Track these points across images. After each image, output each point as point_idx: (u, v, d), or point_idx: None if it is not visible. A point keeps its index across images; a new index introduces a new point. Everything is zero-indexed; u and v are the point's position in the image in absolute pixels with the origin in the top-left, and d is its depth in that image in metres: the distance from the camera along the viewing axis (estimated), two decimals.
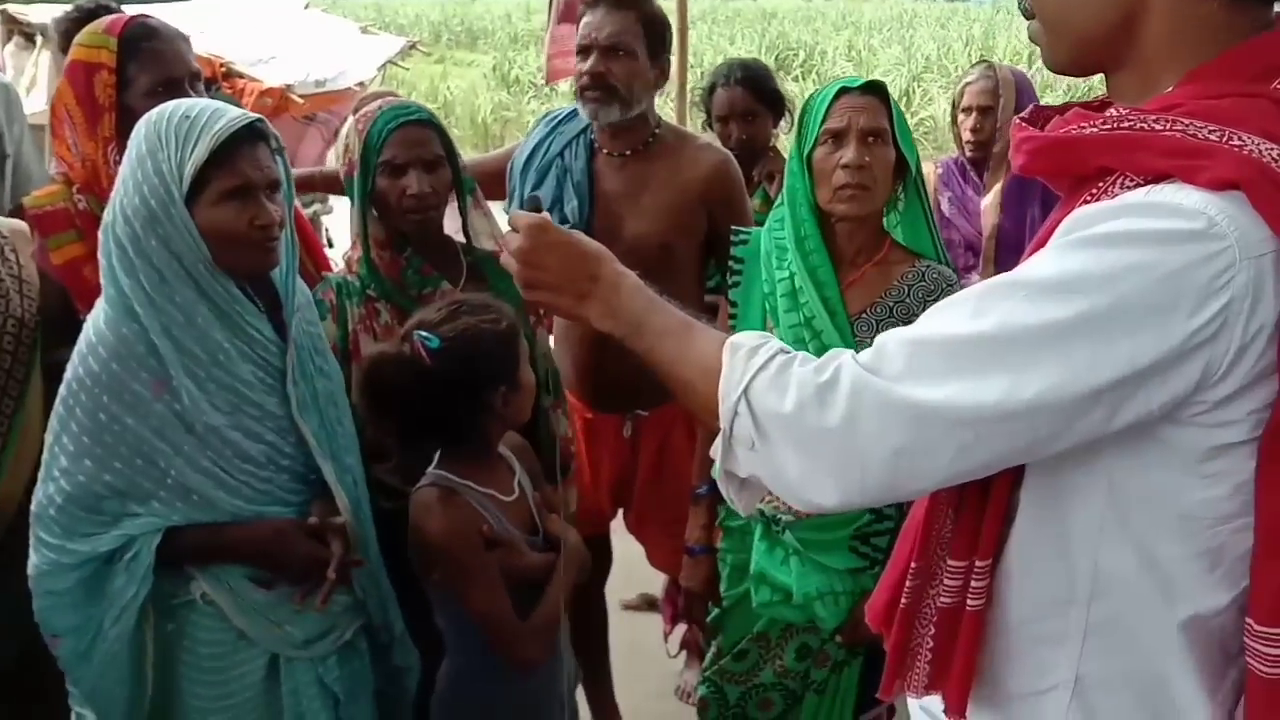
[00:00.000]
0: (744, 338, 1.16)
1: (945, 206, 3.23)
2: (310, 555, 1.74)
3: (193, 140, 1.64)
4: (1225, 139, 0.97)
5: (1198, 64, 1.05)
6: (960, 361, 1.02)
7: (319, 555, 1.74)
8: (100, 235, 1.69)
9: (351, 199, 2.14)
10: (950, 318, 1.06)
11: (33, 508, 1.70)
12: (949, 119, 3.36)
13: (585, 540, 2.55)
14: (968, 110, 3.22)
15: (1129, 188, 1.01)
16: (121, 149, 1.80)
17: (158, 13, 2.22)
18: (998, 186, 3.14)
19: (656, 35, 2.54)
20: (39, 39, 5.54)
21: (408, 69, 9.52)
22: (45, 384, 2.20)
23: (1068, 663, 1.12)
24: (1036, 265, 1.03)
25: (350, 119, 2.18)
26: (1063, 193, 1.15)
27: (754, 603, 2.14)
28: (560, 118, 2.67)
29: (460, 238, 2.23)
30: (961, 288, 2.09)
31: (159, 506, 1.67)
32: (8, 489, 2.01)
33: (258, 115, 1.75)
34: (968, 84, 3.24)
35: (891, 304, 2.07)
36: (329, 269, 2.38)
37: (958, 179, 3.29)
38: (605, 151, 2.59)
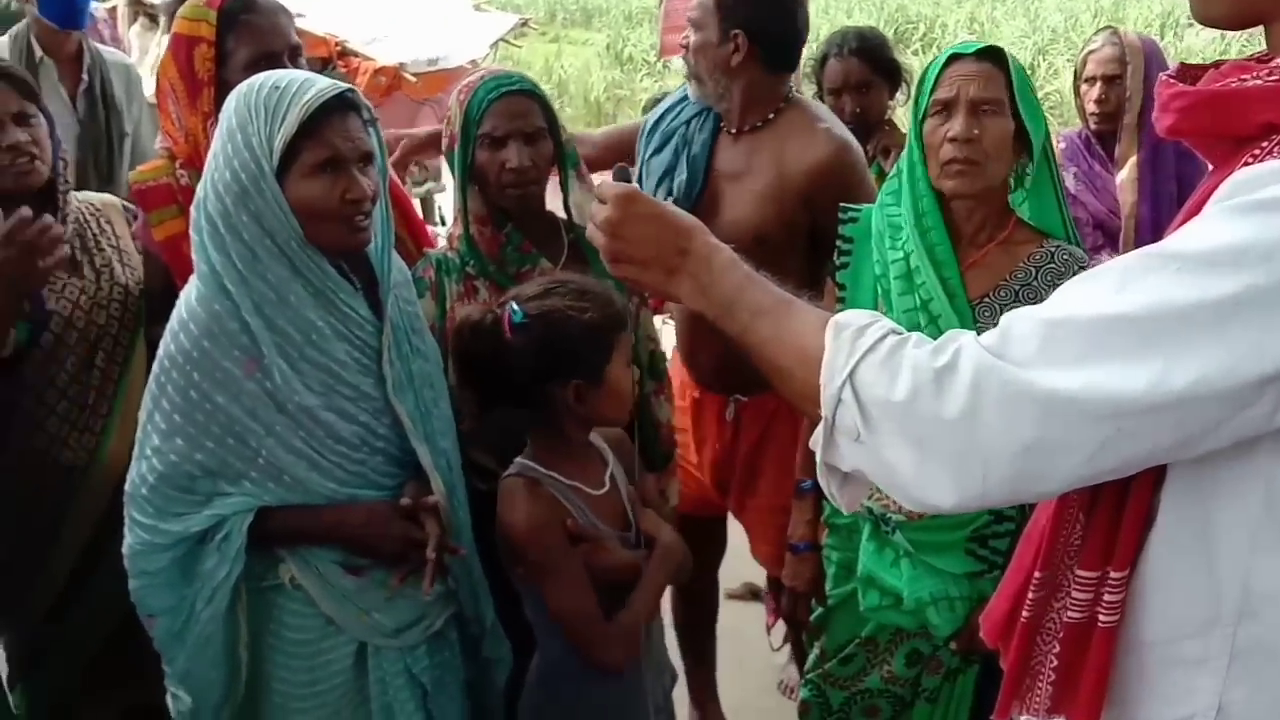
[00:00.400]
0: (850, 316, 1.05)
1: (1071, 183, 3.00)
2: (405, 537, 1.70)
3: (282, 111, 1.60)
4: None
5: None
6: (1102, 344, 0.90)
7: (414, 537, 1.70)
8: (193, 211, 1.67)
9: (453, 173, 2.09)
10: (1090, 294, 0.94)
11: (126, 487, 1.69)
12: (1073, 90, 3.14)
13: (696, 524, 2.48)
14: (1091, 80, 3.00)
15: None
16: None
17: None
18: (1132, 161, 2.92)
19: (730, 9, 2.38)
20: (162, 20, 5.68)
21: (520, 47, 9.55)
22: (149, 357, 2.24)
23: (1209, 689, 1.00)
24: (1192, 234, 0.91)
25: (453, 97, 2.13)
26: (1214, 160, 1.03)
27: (861, 606, 2.03)
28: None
29: (563, 213, 2.15)
30: (1085, 261, 1.94)
31: (251, 487, 1.65)
32: (116, 450, 2.05)
33: (348, 85, 1.71)
34: (1090, 52, 3.02)
35: (1017, 288, 1.93)
36: (431, 245, 2.33)
37: (1083, 153, 3.07)
38: (725, 128, 2.49)
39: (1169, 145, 2.90)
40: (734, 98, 2.42)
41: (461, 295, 2.05)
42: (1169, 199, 2.88)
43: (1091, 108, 3.01)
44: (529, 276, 2.00)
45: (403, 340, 1.79)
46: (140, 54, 5.64)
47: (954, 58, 1.92)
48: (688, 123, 2.50)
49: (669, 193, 2.45)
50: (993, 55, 1.91)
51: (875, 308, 1.97)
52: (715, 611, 2.89)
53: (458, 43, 6.97)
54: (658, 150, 2.51)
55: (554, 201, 2.15)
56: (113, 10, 5.97)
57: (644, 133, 2.60)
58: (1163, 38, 18.14)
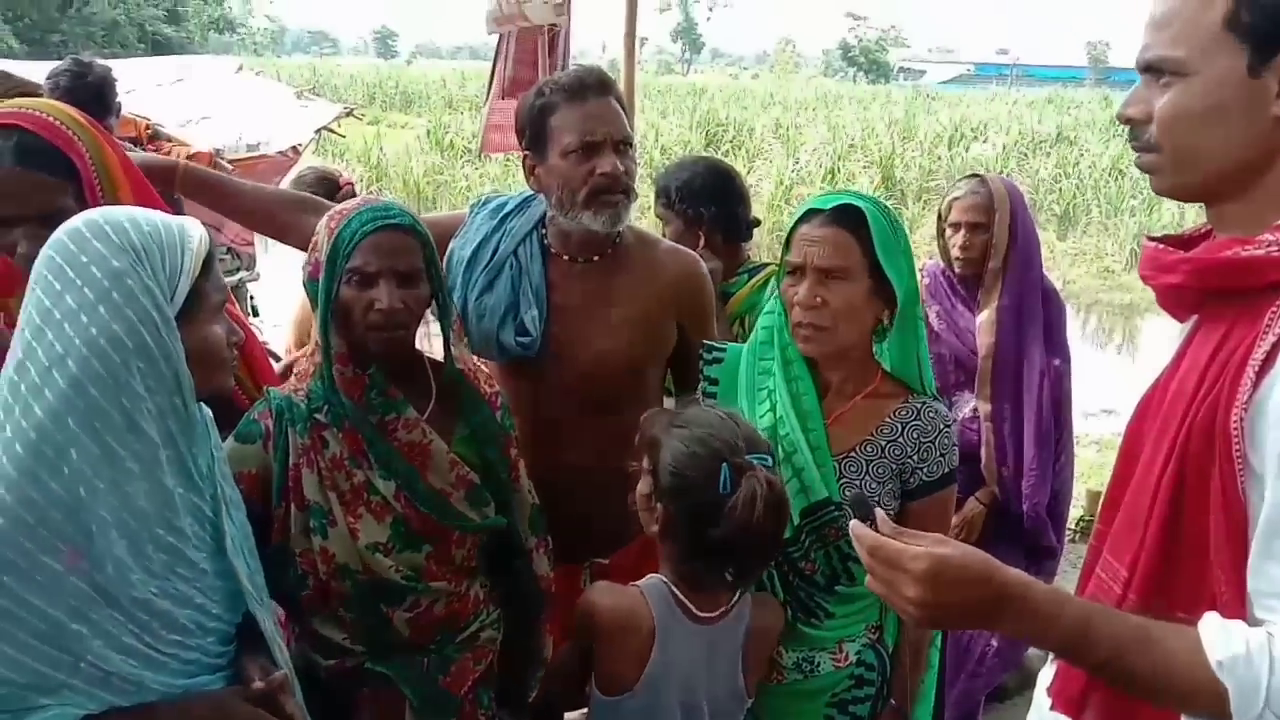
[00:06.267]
0: (1223, 646, 1.11)
1: (933, 320, 3.07)
2: None
3: (177, 251, 1.42)
4: None
5: None
6: None
7: None
8: (13, 381, 1.37)
9: (311, 303, 1.87)
10: None
11: None
12: (935, 231, 3.18)
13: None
14: (956, 226, 3.05)
15: None
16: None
17: None
18: (994, 305, 2.99)
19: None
20: None
21: (344, 136, 9.35)
22: None
23: None
24: None
25: (322, 222, 1.85)
26: (1192, 312, 1.28)
27: None
28: (506, 210, 2.33)
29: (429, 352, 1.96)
30: (949, 420, 1.93)
31: (71, 695, 1.36)
32: None
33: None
34: (955, 199, 3.06)
35: (883, 443, 1.90)
36: (271, 381, 2.08)
37: (946, 291, 3.13)
38: (564, 257, 2.25)
39: (1036, 289, 3.00)
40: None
41: (307, 449, 1.81)
42: (1034, 340, 2.97)
43: (956, 253, 3.05)
44: (394, 425, 1.84)
45: (228, 494, 1.59)
46: None
47: (807, 215, 1.88)
48: (515, 254, 2.26)
49: (519, 333, 2.20)
50: (846, 215, 1.85)
51: None
52: None
53: (279, 129, 6.73)
54: (488, 288, 2.24)
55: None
56: None
57: (457, 267, 2.28)
58: (950, 149, 19.62)
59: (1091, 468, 5.87)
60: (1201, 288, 1.24)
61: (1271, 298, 1.15)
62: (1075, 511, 5.05)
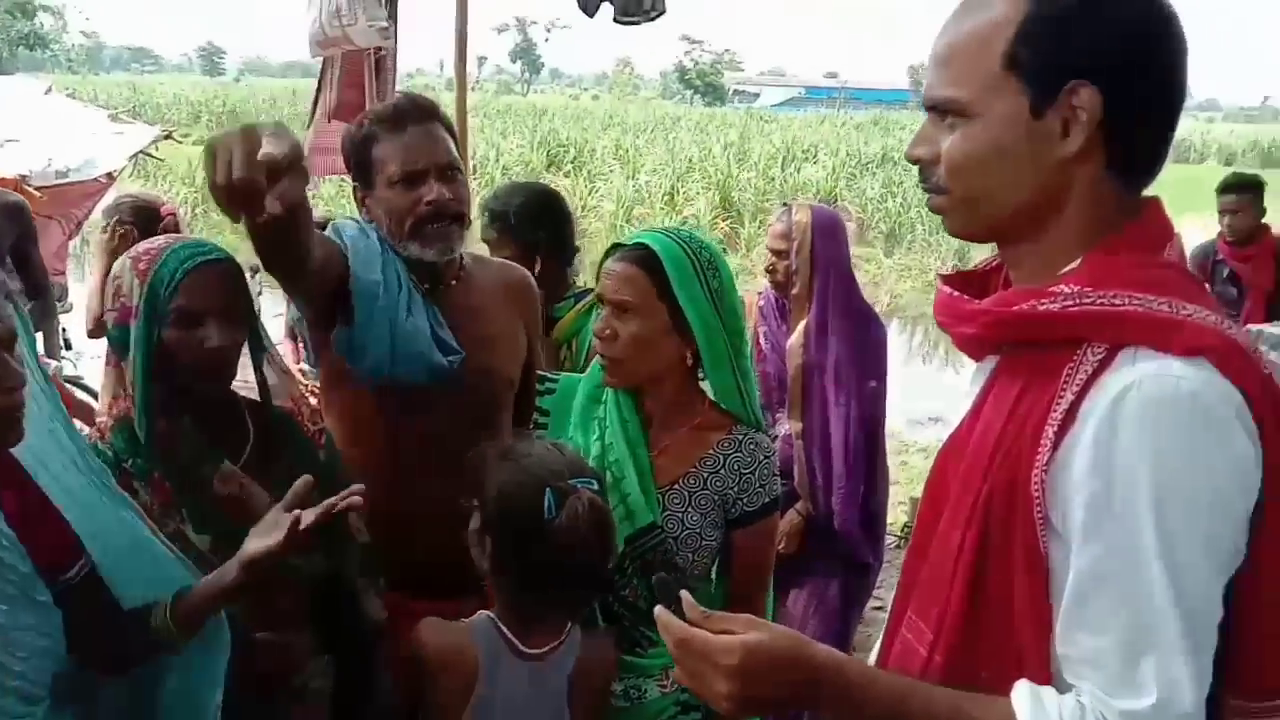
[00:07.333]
0: (1033, 714, 1.09)
1: (762, 341, 3.16)
2: None
3: None
4: (1176, 311, 1.06)
5: (1099, 240, 1.13)
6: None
7: None
8: None
9: (122, 354, 1.76)
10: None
11: None
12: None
13: None
14: (768, 250, 3.18)
15: (1096, 355, 1.08)
16: None
17: None
18: (801, 327, 3.09)
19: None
20: None
21: (162, 159, 8.98)
22: None
23: None
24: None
25: (124, 260, 1.76)
26: (978, 356, 1.25)
27: None
28: (369, 234, 2.16)
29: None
30: (770, 450, 1.98)
31: None
32: None
33: None
34: (769, 225, 3.20)
35: (706, 475, 1.93)
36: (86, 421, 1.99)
37: (775, 313, 3.23)
38: (424, 287, 2.16)
39: (842, 313, 3.07)
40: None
41: None
42: (842, 362, 3.05)
43: (766, 276, 3.19)
44: (210, 474, 1.77)
45: None
46: None
47: (610, 250, 1.96)
48: (412, 278, 2.13)
49: (445, 350, 2.12)
50: (639, 253, 1.90)
51: None
52: None
53: (93, 154, 6.40)
54: (408, 310, 2.12)
55: None
56: None
57: (376, 286, 2.09)
58: (783, 170, 20.22)
59: (920, 474, 6.13)
60: (998, 339, 1.20)
61: (1068, 353, 1.09)
62: (901, 518, 5.27)
